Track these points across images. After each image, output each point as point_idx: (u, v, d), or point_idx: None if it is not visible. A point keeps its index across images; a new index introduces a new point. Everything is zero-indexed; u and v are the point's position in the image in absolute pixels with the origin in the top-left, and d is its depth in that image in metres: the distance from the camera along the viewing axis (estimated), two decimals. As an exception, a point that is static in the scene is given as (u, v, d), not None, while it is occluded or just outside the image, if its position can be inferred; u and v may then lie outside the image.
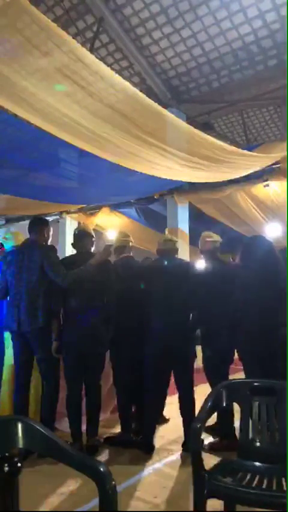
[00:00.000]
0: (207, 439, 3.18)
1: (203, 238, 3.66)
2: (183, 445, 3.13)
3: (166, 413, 3.83)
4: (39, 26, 1.99)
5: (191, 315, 3.33)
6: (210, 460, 2.74)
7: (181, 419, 3.19)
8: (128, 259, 3.55)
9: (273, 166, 5.29)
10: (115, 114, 2.84)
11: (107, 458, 3.02)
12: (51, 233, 3.45)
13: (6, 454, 1.12)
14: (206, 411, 1.97)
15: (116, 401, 3.48)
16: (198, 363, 3.41)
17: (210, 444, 3.12)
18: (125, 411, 3.34)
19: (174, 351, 3.15)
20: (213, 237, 3.64)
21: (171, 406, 3.63)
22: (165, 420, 3.80)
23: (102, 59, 6.19)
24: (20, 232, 4.00)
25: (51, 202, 6.42)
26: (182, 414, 3.19)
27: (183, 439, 3.17)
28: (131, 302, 3.24)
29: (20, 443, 1.37)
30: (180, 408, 3.21)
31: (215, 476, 1.75)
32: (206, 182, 5.41)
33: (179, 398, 3.23)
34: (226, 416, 3.13)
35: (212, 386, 3.14)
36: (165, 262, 3.38)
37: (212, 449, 3.01)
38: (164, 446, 3.26)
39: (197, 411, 2.45)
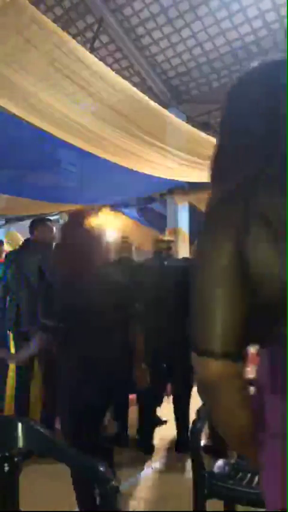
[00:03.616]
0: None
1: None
2: (176, 446, 3.12)
3: (166, 412, 3.82)
4: (39, 26, 1.99)
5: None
6: (209, 460, 2.76)
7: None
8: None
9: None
10: (115, 114, 2.84)
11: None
12: (53, 233, 3.44)
13: (6, 454, 1.13)
14: (207, 411, 1.96)
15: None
16: None
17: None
18: (123, 411, 3.34)
19: (171, 351, 3.16)
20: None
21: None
22: (161, 422, 3.74)
23: (102, 59, 6.17)
24: (17, 232, 4.00)
25: (51, 202, 6.42)
26: (175, 414, 3.19)
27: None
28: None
29: (20, 443, 1.37)
30: (175, 408, 3.21)
31: (215, 476, 1.75)
32: (206, 182, 5.38)
33: (174, 398, 3.23)
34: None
35: None
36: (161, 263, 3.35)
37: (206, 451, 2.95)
38: (163, 446, 3.26)
39: (191, 412, 2.42)
